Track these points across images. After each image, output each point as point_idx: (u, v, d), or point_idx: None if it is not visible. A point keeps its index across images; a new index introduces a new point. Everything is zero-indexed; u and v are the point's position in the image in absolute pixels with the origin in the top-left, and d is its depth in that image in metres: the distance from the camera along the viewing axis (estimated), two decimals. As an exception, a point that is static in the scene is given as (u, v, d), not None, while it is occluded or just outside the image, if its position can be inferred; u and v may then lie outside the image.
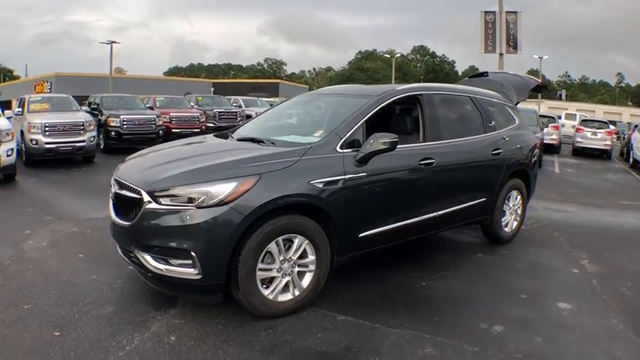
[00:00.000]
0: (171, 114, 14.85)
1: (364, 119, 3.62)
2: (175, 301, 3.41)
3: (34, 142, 9.65)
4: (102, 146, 12.85)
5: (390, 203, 3.71)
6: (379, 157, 3.49)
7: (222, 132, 4.57)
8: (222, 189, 2.92)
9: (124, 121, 13.09)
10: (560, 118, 20.54)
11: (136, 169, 3.49)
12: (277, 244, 3.10)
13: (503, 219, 4.94)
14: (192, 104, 17.96)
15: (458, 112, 4.58)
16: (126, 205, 3.23)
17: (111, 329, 3.03)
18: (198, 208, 2.90)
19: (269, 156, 3.28)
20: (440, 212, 4.06)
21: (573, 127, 19.49)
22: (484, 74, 5.86)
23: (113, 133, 13.07)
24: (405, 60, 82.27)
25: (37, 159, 9.81)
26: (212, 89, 43.28)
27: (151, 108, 15.35)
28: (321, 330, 3.08)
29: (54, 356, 2.72)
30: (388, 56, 64.56)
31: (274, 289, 3.18)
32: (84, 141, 10.25)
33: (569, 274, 4.22)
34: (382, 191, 3.63)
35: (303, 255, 3.27)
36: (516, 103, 5.43)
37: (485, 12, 23.35)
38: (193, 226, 2.89)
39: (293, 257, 3.22)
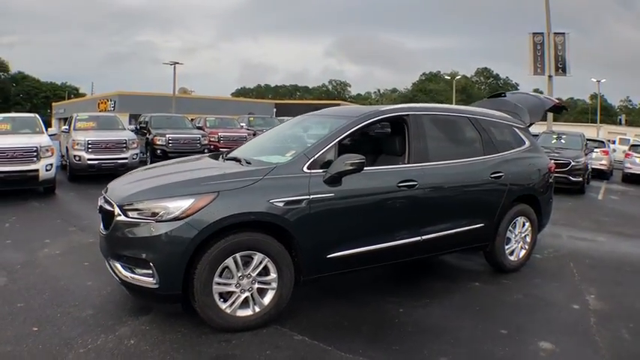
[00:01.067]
0: (219, 134, 15.76)
1: (336, 140, 3.72)
2: (150, 309, 3.64)
3: (77, 159, 10.59)
4: (148, 163, 13.81)
5: (364, 225, 3.72)
6: (352, 177, 3.56)
7: (218, 152, 4.87)
8: (180, 205, 3.15)
9: (169, 140, 13.96)
10: (614, 142, 19.18)
11: (119, 184, 3.84)
12: (235, 260, 3.25)
13: (507, 246, 4.74)
14: (242, 124, 18.87)
15: (452, 134, 4.51)
16: (105, 218, 3.56)
17: (82, 329, 3.34)
18: (157, 221, 3.15)
19: (232, 175, 3.47)
20: (425, 237, 4.00)
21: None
22: (502, 95, 5.73)
23: (159, 151, 13.95)
24: (468, 82, 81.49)
25: (80, 174, 10.74)
26: (274, 110, 44.69)
27: (201, 128, 16.32)
28: (272, 348, 3.14)
29: (25, 347, 3.07)
30: (449, 78, 64.22)
31: (232, 303, 3.31)
32: (126, 158, 11.08)
33: (567, 310, 3.94)
34: (354, 212, 3.66)
35: (265, 272, 3.38)
36: (529, 125, 5.23)
37: (533, 33, 22.71)
38: (152, 239, 3.14)
39: (252, 274, 3.34)
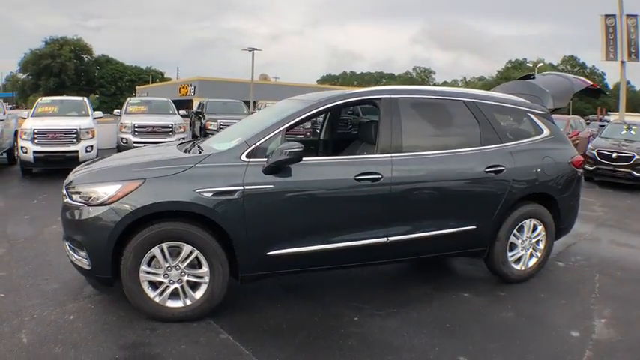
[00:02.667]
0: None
1: (284, 127, 3.51)
2: (110, 290, 3.68)
3: (124, 141, 11.34)
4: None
5: (312, 221, 3.47)
6: (301, 168, 3.36)
7: (196, 140, 4.94)
8: (108, 190, 3.21)
9: (220, 124, 14.41)
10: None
11: (80, 169, 3.98)
12: (162, 250, 3.24)
13: (511, 253, 4.17)
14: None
15: (438, 120, 4.04)
16: None
17: (39, 300, 3.66)
18: (88, 205, 3.24)
19: (163, 162, 3.46)
20: (393, 238, 3.63)
21: None
22: (530, 76, 5.02)
23: (210, 136, 14.49)
24: (554, 70, 75.39)
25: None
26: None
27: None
28: (190, 342, 3.07)
29: (-16, 309, 3.46)
30: (531, 65, 60.10)
31: (161, 293, 3.31)
32: (172, 142, 11.63)
33: (559, 338, 3.32)
34: (299, 207, 3.42)
35: (197, 265, 3.33)
36: (553, 110, 4.53)
37: (605, 15, 19.99)
38: (84, 222, 3.26)
39: (181, 265, 3.29)
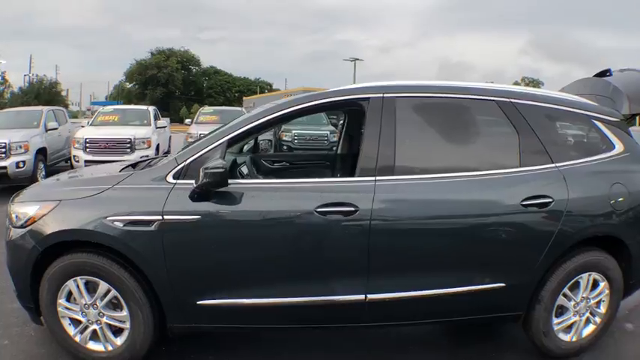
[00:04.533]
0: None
1: (224, 139, 2.90)
2: None
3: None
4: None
5: (255, 266, 2.83)
6: (236, 194, 2.78)
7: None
8: (28, 211, 2.94)
9: (295, 135, 14.34)
10: None
11: None
12: (77, 284, 2.89)
13: (558, 319, 3.10)
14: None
15: (455, 128, 3.14)
16: None
17: None
18: (13, 227, 3.01)
19: (84, 181, 3.18)
20: (374, 296, 2.83)
21: None
22: (606, 73, 3.82)
23: (285, 147, 14.49)
24: None
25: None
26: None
27: (335, 125, 16.27)
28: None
29: None
30: None
31: (81, 333, 2.97)
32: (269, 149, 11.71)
33: None
34: (236, 246, 2.80)
35: (119, 307, 2.91)
36: (630, 117, 3.37)
37: None
38: (7, 244, 3.03)
39: (98, 304, 2.91)
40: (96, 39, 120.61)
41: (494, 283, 2.93)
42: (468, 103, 3.15)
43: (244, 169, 3.80)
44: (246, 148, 4.87)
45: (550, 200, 2.93)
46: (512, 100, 3.12)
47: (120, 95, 60.82)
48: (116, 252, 2.79)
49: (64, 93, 49.47)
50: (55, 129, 9.97)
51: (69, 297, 2.91)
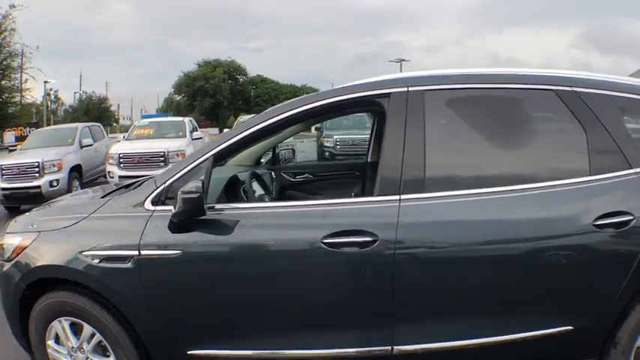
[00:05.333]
0: None
1: (208, 155, 2.41)
2: None
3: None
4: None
5: (253, 311, 2.36)
6: (225, 222, 2.32)
7: None
8: (14, 242, 2.68)
9: (337, 141, 13.94)
10: None
11: None
12: (62, 325, 2.58)
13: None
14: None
15: (503, 128, 2.49)
16: None
17: None
18: (2, 259, 2.75)
19: (64, 208, 2.88)
20: (403, 348, 2.26)
21: None
22: None
23: (327, 154, 14.13)
24: None
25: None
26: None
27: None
28: None
29: None
30: None
31: None
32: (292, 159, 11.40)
33: None
34: (228, 287, 2.35)
35: (107, 351, 2.54)
36: None
37: None
38: None
39: (85, 348, 2.57)
40: (145, 54, 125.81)
41: (559, 326, 2.28)
42: (518, 95, 2.49)
43: (255, 186, 3.34)
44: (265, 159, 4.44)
45: (630, 218, 2.25)
46: (576, 89, 2.44)
47: (170, 107, 62.69)
48: (96, 291, 2.44)
49: (113, 108, 51.52)
50: (90, 145, 10.01)
51: (57, 338, 2.63)
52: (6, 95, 23.12)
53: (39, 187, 8.37)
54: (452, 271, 2.27)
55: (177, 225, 2.26)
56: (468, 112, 2.50)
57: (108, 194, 2.87)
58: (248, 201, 2.84)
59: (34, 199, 8.33)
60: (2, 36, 22.70)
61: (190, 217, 2.21)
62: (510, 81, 2.50)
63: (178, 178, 2.39)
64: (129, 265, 2.31)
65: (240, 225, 2.29)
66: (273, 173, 3.98)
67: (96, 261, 2.35)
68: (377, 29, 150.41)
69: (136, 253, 2.30)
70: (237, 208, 2.42)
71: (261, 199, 3.05)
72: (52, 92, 46.47)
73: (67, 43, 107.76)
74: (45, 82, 37.28)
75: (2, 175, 8.51)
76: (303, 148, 17.13)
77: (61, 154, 8.91)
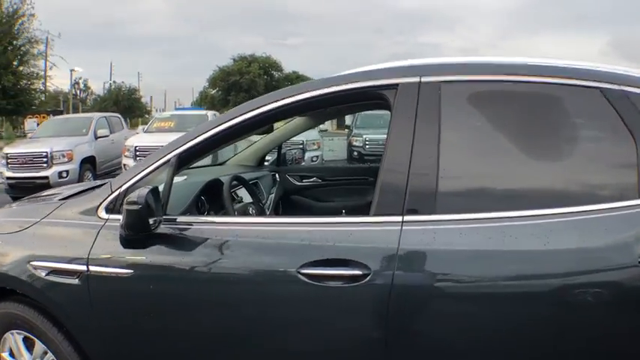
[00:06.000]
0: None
1: (172, 154, 1.98)
2: None
3: None
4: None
5: (217, 346, 1.95)
6: (187, 235, 1.92)
7: None
8: None
9: (366, 140, 13.43)
10: None
11: None
12: (15, 339, 2.29)
13: None
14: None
15: (541, 135, 1.85)
16: None
17: None
18: None
19: (20, 210, 2.59)
20: None
21: None
22: None
23: (355, 153, 13.64)
24: None
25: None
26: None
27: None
28: None
29: None
30: None
31: None
32: (303, 160, 10.97)
33: None
34: (189, 320, 1.94)
35: None
36: None
37: None
38: None
39: None
40: (180, 47, 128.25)
41: None
42: (556, 92, 1.85)
43: (243, 193, 2.84)
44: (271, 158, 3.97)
45: None
46: (626, 89, 1.82)
47: (204, 101, 63.38)
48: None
49: (144, 100, 51.95)
50: (106, 136, 9.72)
51: (11, 352, 2.32)
52: (24, 82, 23.08)
53: (47, 177, 8.12)
54: (466, 317, 1.70)
55: (128, 240, 1.85)
56: (495, 112, 1.88)
57: (70, 196, 2.44)
58: (226, 212, 2.36)
59: (42, 190, 8.12)
60: (20, 21, 22.61)
61: (135, 232, 1.81)
62: (548, 74, 1.86)
63: (135, 182, 1.99)
64: (77, 281, 1.96)
65: (203, 244, 1.87)
66: (277, 175, 3.54)
67: (43, 273, 2.02)
68: (412, 29, 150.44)
69: (85, 268, 1.95)
70: (201, 223, 1.98)
71: (244, 209, 2.52)
72: (81, 81, 47.42)
73: (102, 33, 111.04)
74: (71, 70, 37.38)
75: (8, 163, 8.31)
76: (333, 146, 16.67)
77: (73, 144, 8.61)
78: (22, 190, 8.15)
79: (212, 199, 2.44)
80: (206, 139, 2.00)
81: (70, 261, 1.99)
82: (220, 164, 3.61)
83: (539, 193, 1.79)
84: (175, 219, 1.93)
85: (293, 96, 1.96)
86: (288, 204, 3.47)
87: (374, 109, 2.97)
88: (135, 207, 1.71)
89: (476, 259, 1.69)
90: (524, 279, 1.70)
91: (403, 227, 1.70)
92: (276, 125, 3.45)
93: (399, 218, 1.71)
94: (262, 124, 2.14)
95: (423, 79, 1.86)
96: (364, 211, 1.85)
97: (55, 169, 8.20)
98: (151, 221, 1.76)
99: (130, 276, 1.90)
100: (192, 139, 1.99)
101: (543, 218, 1.68)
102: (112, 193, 2.02)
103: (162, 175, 1.97)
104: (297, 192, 3.59)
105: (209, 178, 2.55)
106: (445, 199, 1.74)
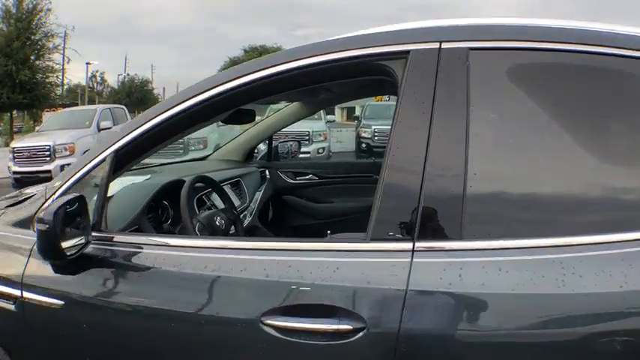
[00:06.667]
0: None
1: (108, 151, 1.48)
2: None
3: None
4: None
5: None
6: (125, 268, 1.44)
7: None
8: None
9: (375, 132, 13.05)
10: None
11: None
12: None
13: None
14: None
15: (609, 130, 1.21)
16: None
17: None
18: None
19: None
20: None
21: None
22: None
23: (363, 145, 13.28)
24: None
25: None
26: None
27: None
28: None
29: None
30: None
31: None
32: (309, 152, 10.76)
33: None
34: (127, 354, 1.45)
35: None
36: None
37: None
38: None
39: None
40: (194, 39, 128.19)
41: None
42: (625, 66, 1.22)
43: (215, 198, 2.35)
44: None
45: None
46: None
47: (215, 93, 64.16)
48: None
49: (156, 91, 51.74)
50: (109, 128, 9.49)
51: None
52: (40, 76, 23.06)
53: (49, 171, 7.96)
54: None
55: (56, 266, 1.47)
56: (555, 96, 1.24)
57: (15, 204, 1.99)
58: (183, 225, 1.88)
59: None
60: (38, 16, 22.57)
61: (48, 259, 1.41)
62: (614, 43, 1.21)
63: (68, 188, 1.53)
64: (13, 307, 1.55)
65: (138, 274, 1.42)
66: (267, 172, 3.08)
67: None
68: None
69: (19, 293, 1.53)
70: (139, 245, 1.43)
71: (208, 220, 1.98)
72: (97, 74, 47.40)
73: (117, 26, 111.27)
74: (87, 63, 37.62)
75: (14, 158, 8.18)
76: (341, 137, 16.17)
77: (75, 137, 8.48)
78: (26, 184, 7.88)
79: (176, 205, 1.96)
80: (149, 130, 1.47)
81: (5, 282, 1.58)
82: (201, 159, 3.14)
83: (616, 211, 1.19)
84: (112, 237, 1.45)
85: (264, 69, 1.39)
86: (279, 205, 3.06)
87: (374, 94, 2.43)
88: (42, 227, 1.27)
89: (523, 308, 1.11)
90: (593, 337, 1.09)
91: (414, 259, 1.15)
92: (265, 114, 2.98)
93: (408, 245, 1.17)
94: (229, 105, 1.61)
95: (445, 45, 1.27)
96: (362, 225, 1.31)
97: (58, 162, 8.14)
98: (67, 244, 1.31)
99: (60, 308, 1.45)
100: (132, 132, 1.48)
101: (621, 247, 1.11)
102: (45, 202, 1.57)
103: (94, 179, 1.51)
104: (289, 191, 3.12)
105: (172, 178, 2.07)
106: (476, 218, 1.18)
